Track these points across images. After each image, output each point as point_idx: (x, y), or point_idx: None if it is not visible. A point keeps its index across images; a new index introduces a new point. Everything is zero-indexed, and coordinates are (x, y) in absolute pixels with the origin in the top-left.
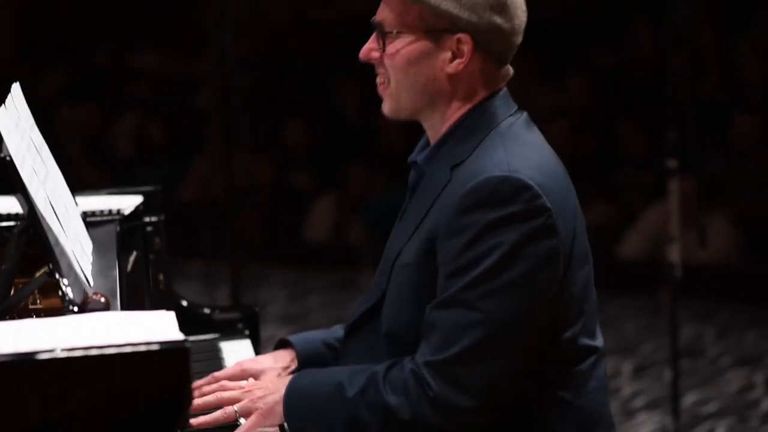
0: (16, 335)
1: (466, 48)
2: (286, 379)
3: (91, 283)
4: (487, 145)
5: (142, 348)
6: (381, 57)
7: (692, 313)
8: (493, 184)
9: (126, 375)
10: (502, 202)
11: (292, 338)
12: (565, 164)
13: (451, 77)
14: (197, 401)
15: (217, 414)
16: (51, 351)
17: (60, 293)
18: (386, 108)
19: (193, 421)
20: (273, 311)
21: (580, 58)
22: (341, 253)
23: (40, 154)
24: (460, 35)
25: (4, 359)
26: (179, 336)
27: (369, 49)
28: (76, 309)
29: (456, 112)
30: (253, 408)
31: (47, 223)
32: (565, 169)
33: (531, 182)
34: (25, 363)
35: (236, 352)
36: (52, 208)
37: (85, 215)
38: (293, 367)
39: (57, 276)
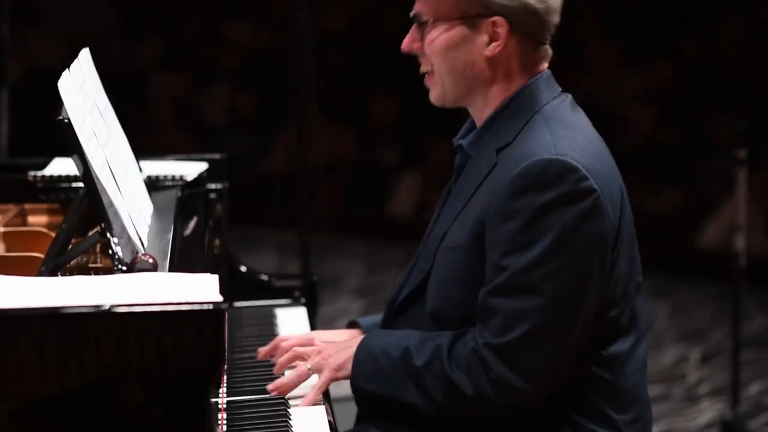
0: (59, 290)
1: (502, 31)
2: (358, 339)
3: (145, 245)
4: (533, 128)
5: (182, 307)
6: (421, 47)
7: (764, 303)
8: (541, 167)
9: (162, 333)
10: (550, 185)
11: (361, 320)
12: (647, 149)
13: (490, 60)
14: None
15: (291, 374)
16: (85, 306)
17: (110, 253)
18: (432, 96)
19: (270, 386)
20: (350, 284)
21: (668, 44)
22: (422, 230)
23: (103, 118)
24: (495, 18)
25: (39, 312)
26: (217, 297)
27: (410, 40)
28: (124, 268)
29: (499, 95)
30: (325, 364)
31: (101, 185)
32: (610, 153)
33: (577, 164)
34: (58, 317)
35: (291, 318)
36: (111, 170)
37: (149, 180)
38: None
39: (108, 236)
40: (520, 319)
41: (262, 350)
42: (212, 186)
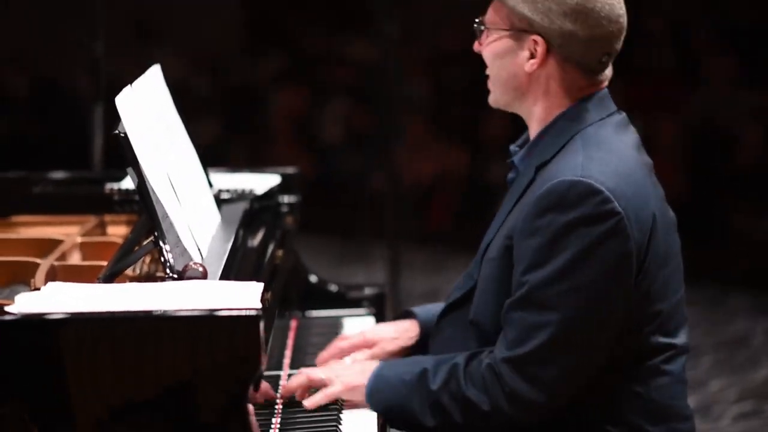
0: (105, 296)
1: (540, 50)
2: (374, 364)
3: (204, 255)
4: (570, 148)
5: (219, 313)
6: (481, 51)
7: None
8: (565, 187)
9: (199, 337)
10: (572, 206)
11: (415, 309)
12: (756, 166)
13: (530, 76)
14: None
15: (301, 378)
16: (134, 311)
17: (162, 261)
18: (490, 98)
19: (307, 403)
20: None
21: None
22: None
23: (168, 132)
24: (534, 36)
25: (80, 317)
26: (255, 305)
27: (477, 43)
28: (175, 276)
29: (546, 113)
30: (337, 380)
31: (157, 197)
32: (651, 172)
33: (601, 187)
34: (107, 321)
35: (357, 327)
36: (171, 183)
37: (219, 193)
38: (411, 336)
39: (160, 245)
40: (534, 332)
41: (323, 355)
42: (284, 199)
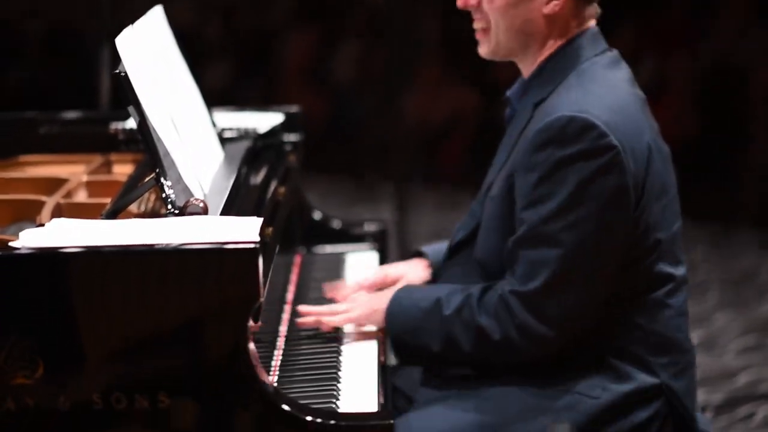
0: (107, 231)
1: None
2: (391, 291)
3: (206, 191)
4: (566, 84)
5: (220, 246)
6: (478, 3)
7: None
8: (562, 123)
9: (200, 270)
10: (569, 141)
11: (426, 249)
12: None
13: (547, 18)
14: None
15: (323, 307)
16: (135, 246)
17: (163, 197)
18: (483, 50)
19: (300, 307)
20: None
21: None
22: None
23: (170, 72)
24: None
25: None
26: (254, 238)
27: None
28: (176, 212)
29: (546, 50)
30: (357, 305)
31: (158, 135)
32: (645, 106)
33: (597, 121)
34: (107, 255)
35: (361, 264)
36: (173, 121)
37: (222, 131)
38: (427, 273)
39: (161, 182)
40: (540, 268)
41: (343, 292)
42: (287, 138)
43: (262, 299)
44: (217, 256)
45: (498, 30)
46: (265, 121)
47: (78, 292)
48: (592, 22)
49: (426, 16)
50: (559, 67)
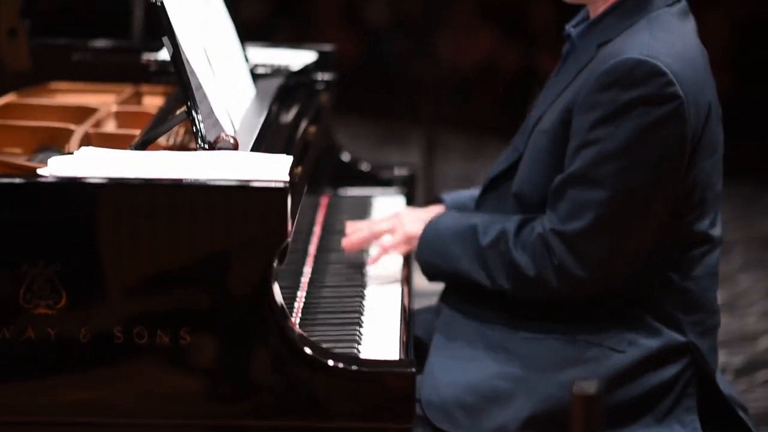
0: (137, 163)
1: None
2: (433, 214)
3: (236, 127)
4: (636, 28)
5: (249, 184)
6: None
7: None
8: (630, 65)
9: (229, 207)
10: (635, 84)
11: (444, 196)
12: None
13: None
14: (354, 239)
15: (365, 232)
16: (163, 179)
17: (194, 131)
18: None
19: (344, 242)
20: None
21: None
22: None
23: (207, 4)
24: None
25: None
26: (284, 177)
27: None
28: (206, 147)
29: None
30: (400, 227)
31: (191, 68)
32: (708, 62)
33: (666, 69)
34: (135, 187)
35: (387, 205)
36: (206, 55)
37: (255, 67)
38: None
39: (193, 115)
40: (586, 209)
41: (353, 240)
42: (320, 76)
43: (289, 239)
44: (245, 193)
45: None
46: (298, 58)
47: (104, 224)
48: None
49: None
50: (629, 12)
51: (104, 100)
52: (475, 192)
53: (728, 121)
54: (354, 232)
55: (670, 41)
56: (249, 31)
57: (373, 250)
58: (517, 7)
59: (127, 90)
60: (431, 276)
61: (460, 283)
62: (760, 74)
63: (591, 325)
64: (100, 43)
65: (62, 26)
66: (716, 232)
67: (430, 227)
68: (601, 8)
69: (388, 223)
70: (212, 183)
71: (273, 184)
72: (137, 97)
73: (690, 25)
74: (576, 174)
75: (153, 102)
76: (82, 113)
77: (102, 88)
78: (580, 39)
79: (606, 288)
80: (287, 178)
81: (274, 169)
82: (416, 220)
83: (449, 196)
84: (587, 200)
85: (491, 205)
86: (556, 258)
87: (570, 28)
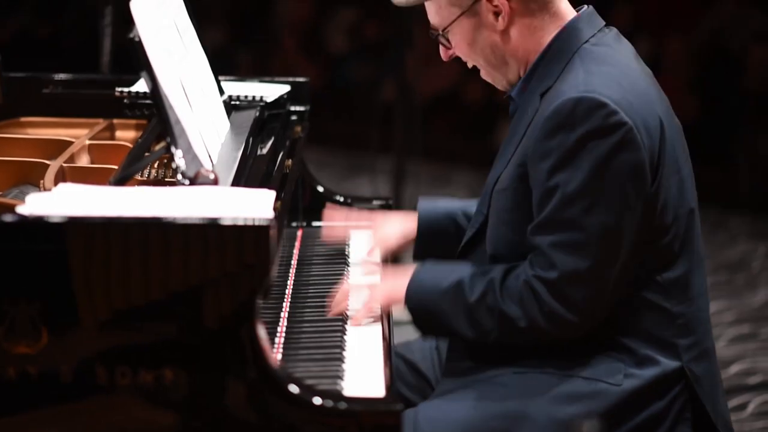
0: (117, 200)
1: (498, 1)
2: (410, 271)
3: (214, 161)
4: (570, 68)
5: (233, 221)
6: (455, 53)
7: None
8: (571, 105)
9: (211, 244)
10: (580, 122)
11: (422, 204)
12: (764, 89)
13: (508, 32)
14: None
15: (339, 297)
16: (147, 217)
17: (174, 167)
18: (500, 88)
19: (351, 321)
20: None
21: None
22: None
23: (181, 38)
24: None
25: (93, 220)
26: (268, 213)
27: (445, 52)
28: (186, 182)
29: (533, 51)
30: (377, 289)
31: (169, 102)
32: (653, 81)
33: (606, 99)
34: (117, 225)
35: (364, 239)
36: (183, 88)
37: (229, 100)
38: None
39: (172, 150)
40: (561, 254)
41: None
42: (294, 108)
43: (272, 276)
44: (229, 231)
45: (482, 66)
46: (271, 90)
47: (87, 261)
48: (561, 6)
49: None
50: (559, 54)
51: (77, 134)
52: (456, 205)
53: (692, 146)
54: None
55: (605, 71)
56: (209, 60)
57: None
58: None
59: (100, 123)
60: (425, 333)
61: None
62: (722, 99)
63: (585, 358)
64: (70, 76)
65: (28, 59)
66: (696, 250)
67: (416, 282)
68: (530, 63)
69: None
70: (195, 221)
71: (258, 221)
72: (110, 131)
73: (625, 49)
74: (545, 222)
75: (126, 135)
76: (56, 147)
77: (74, 122)
78: (521, 95)
79: (597, 322)
80: (272, 215)
81: (257, 205)
82: (393, 278)
83: (425, 205)
84: (562, 245)
85: None
86: (545, 304)
87: (510, 90)
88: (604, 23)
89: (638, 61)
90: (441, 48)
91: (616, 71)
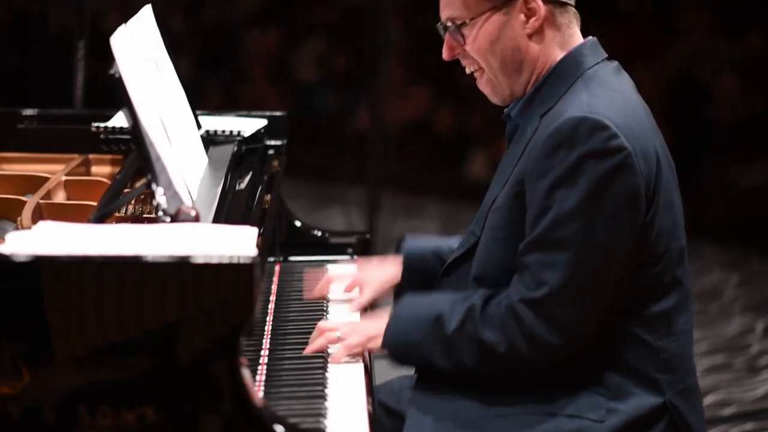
0: (99, 237)
1: (535, 4)
2: (383, 316)
3: (194, 197)
4: (573, 90)
5: (217, 259)
6: (463, 50)
7: None
8: (573, 124)
9: (195, 282)
10: (580, 142)
11: (407, 243)
12: (732, 118)
13: (533, 37)
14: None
15: (321, 340)
16: (118, 255)
17: (155, 204)
18: (495, 99)
19: (305, 352)
20: None
21: (763, 14)
22: None
23: (160, 73)
24: None
25: (74, 259)
26: (252, 251)
27: (450, 48)
28: (168, 219)
29: (542, 67)
30: (354, 332)
31: (150, 139)
32: (650, 115)
33: (608, 122)
34: (100, 264)
35: (344, 275)
36: (163, 124)
37: (207, 135)
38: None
39: (153, 187)
40: (551, 273)
41: (315, 289)
42: (271, 142)
43: (257, 314)
44: (213, 269)
45: (492, 70)
46: (247, 124)
47: (68, 301)
48: (577, 26)
49: (392, 17)
50: (562, 77)
51: (52, 169)
52: (439, 242)
53: None
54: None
55: (608, 96)
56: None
57: (333, 348)
58: (448, 66)
59: (75, 159)
60: (403, 365)
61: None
62: (692, 129)
63: (567, 395)
64: (46, 111)
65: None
66: (685, 286)
67: (395, 321)
68: (533, 84)
69: (344, 329)
70: (179, 259)
71: (242, 259)
72: (85, 166)
73: (626, 81)
74: (538, 240)
75: (102, 170)
76: (32, 183)
77: (49, 157)
78: (521, 116)
79: (578, 350)
80: (255, 252)
81: (240, 242)
82: (372, 320)
83: (410, 244)
84: (552, 264)
85: (451, 289)
86: (527, 328)
87: (508, 110)
88: (606, 55)
89: (637, 94)
90: (446, 45)
91: (618, 97)
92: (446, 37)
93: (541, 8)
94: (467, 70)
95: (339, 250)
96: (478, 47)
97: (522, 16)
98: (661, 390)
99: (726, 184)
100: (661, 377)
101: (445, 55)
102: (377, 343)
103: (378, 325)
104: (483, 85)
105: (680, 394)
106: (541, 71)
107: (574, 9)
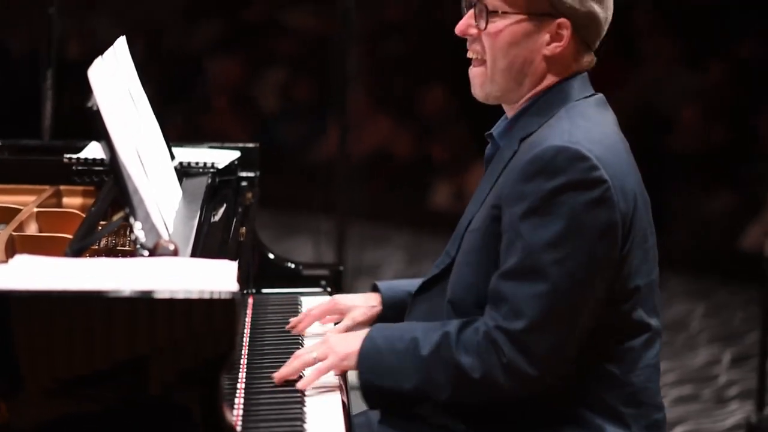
0: (77, 272)
1: (566, 33)
2: (364, 332)
3: (170, 230)
4: (555, 119)
5: (196, 295)
6: (479, 34)
7: None
8: (552, 153)
9: (175, 318)
10: (559, 171)
11: (381, 284)
12: (694, 148)
13: (547, 59)
14: (284, 371)
15: (296, 363)
16: (96, 290)
17: (133, 237)
18: (478, 92)
19: (276, 375)
20: (389, 272)
21: (725, 45)
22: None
23: (135, 106)
24: (561, 20)
25: (52, 294)
26: (232, 286)
27: (467, 24)
28: (146, 253)
29: (537, 88)
30: (330, 352)
31: (127, 172)
32: (630, 151)
33: (589, 154)
34: (71, 299)
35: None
36: (139, 157)
37: (180, 166)
38: (379, 309)
39: (131, 221)
40: (527, 304)
41: (294, 320)
42: (244, 174)
43: (238, 349)
44: (194, 304)
45: (495, 69)
46: (221, 156)
47: (48, 336)
48: (586, 68)
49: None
50: (548, 105)
51: (23, 201)
52: (411, 284)
53: None
54: (286, 366)
55: (590, 128)
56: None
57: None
58: (409, 93)
59: (47, 190)
60: (374, 398)
61: (403, 405)
62: (653, 159)
63: (535, 428)
64: (15, 142)
65: None
66: (654, 322)
67: (369, 343)
68: (520, 106)
69: (320, 350)
70: (159, 295)
71: (223, 295)
72: (57, 197)
73: (609, 116)
74: (513, 269)
75: (73, 201)
76: (3, 214)
77: (19, 188)
78: (502, 137)
79: (554, 381)
80: (236, 287)
81: (220, 277)
82: (347, 338)
83: (384, 285)
84: (528, 295)
85: (423, 308)
86: (504, 356)
87: (492, 130)
88: (593, 91)
89: (619, 130)
90: (464, 21)
91: (599, 130)
92: (468, 13)
93: (567, 38)
94: (469, 54)
95: (312, 282)
96: (495, 41)
97: (548, 36)
98: (628, 425)
99: (689, 215)
100: (627, 411)
101: (459, 29)
102: (351, 362)
103: (352, 343)
104: (475, 75)
105: (646, 429)
106: (536, 92)
107: (594, 58)
